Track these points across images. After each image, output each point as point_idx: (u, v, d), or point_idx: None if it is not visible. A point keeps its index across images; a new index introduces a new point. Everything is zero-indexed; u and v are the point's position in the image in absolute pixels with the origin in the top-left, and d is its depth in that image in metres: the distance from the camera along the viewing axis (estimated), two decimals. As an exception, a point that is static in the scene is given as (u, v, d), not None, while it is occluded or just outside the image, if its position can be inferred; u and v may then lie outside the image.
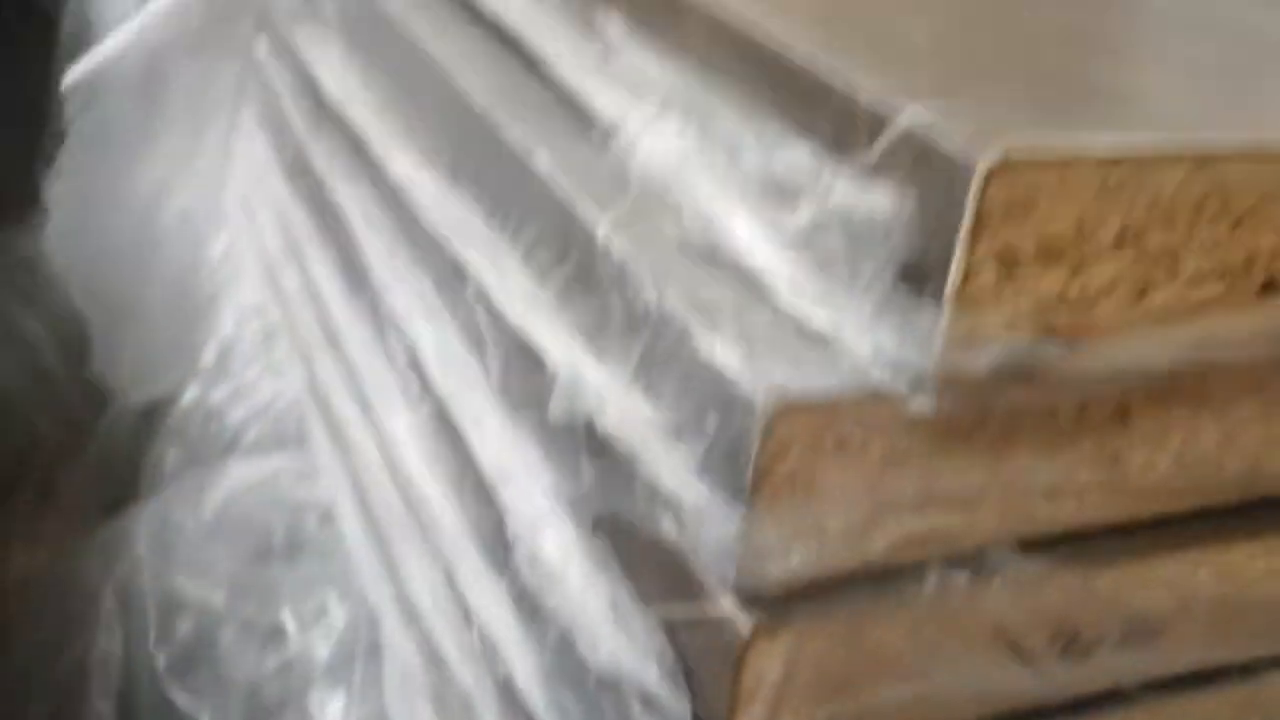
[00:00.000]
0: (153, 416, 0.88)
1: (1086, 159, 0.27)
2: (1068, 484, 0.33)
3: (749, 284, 0.33)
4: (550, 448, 0.40)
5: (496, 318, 0.44)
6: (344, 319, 0.63)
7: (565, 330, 0.38)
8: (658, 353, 0.33)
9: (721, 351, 0.30)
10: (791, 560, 0.30)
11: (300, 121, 0.67)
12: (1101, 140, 0.28)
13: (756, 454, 0.29)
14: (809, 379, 0.29)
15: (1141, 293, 0.30)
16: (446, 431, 0.50)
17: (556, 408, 0.37)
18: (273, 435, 0.76)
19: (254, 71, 0.69)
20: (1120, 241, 0.29)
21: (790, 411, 0.29)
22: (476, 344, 0.46)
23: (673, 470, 0.32)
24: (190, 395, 0.81)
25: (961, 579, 0.33)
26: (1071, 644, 0.34)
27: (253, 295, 0.83)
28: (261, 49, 0.68)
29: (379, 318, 0.58)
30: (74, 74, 0.64)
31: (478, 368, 0.46)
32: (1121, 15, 0.44)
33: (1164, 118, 0.33)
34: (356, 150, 0.58)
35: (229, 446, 0.77)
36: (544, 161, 0.40)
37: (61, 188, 0.70)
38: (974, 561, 0.33)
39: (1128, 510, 0.35)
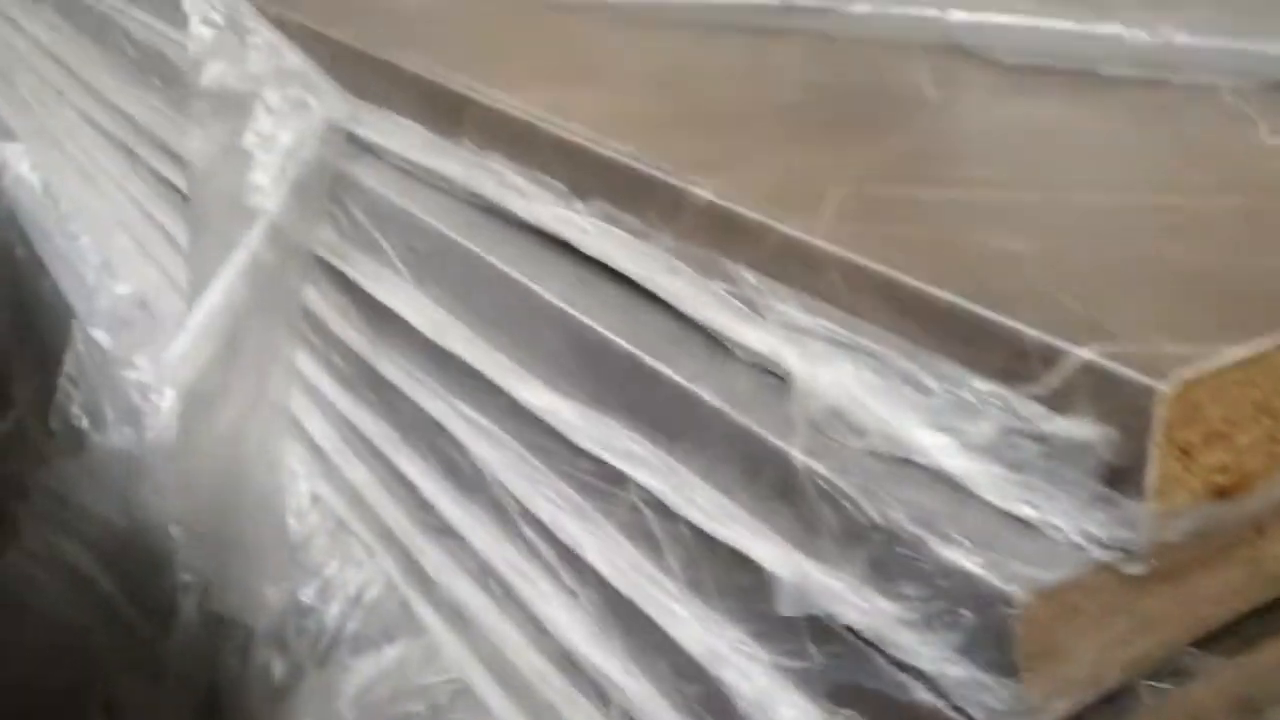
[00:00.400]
0: (224, 625, 0.93)
1: (1238, 364, 0.36)
2: (1225, 588, 0.41)
3: (952, 489, 0.40)
4: (764, 630, 0.47)
5: (674, 523, 0.50)
6: (454, 514, 0.69)
7: (772, 537, 0.45)
8: (891, 558, 0.40)
9: (960, 554, 0.38)
10: (1049, 712, 0.38)
11: (366, 344, 0.73)
12: (1243, 348, 0.36)
13: (1018, 638, 0.36)
14: (1042, 566, 0.37)
15: (1274, 443, 0.38)
16: (620, 615, 0.56)
17: (784, 606, 0.44)
18: (374, 626, 0.81)
19: (306, 311, 0.75)
20: (1258, 411, 0.37)
21: (1040, 598, 0.36)
22: (648, 544, 0.53)
23: (927, 654, 0.39)
24: (278, 596, 0.86)
25: (1167, 686, 0.40)
26: (1254, 715, 0.42)
27: (306, 490, 0.88)
28: (312, 292, 0.73)
29: (505, 514, 0.64)
30: (174, 350, 0.69)
31: (653, 564, 0.53)
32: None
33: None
34: (454, 370, 0.64)
35: (333, 643, 0.82)
36: (709, 393, 0.47)
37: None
38: (1171, 669, 0.41)
39: (1267, 594, 0.43)
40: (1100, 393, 0.36)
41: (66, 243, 1.46)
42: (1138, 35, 0.65)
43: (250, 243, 0.71)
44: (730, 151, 0.55)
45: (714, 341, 0.50)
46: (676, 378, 0.49)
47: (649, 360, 0.50)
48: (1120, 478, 0.37)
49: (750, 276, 0.47)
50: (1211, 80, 0.63)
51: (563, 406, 0.55)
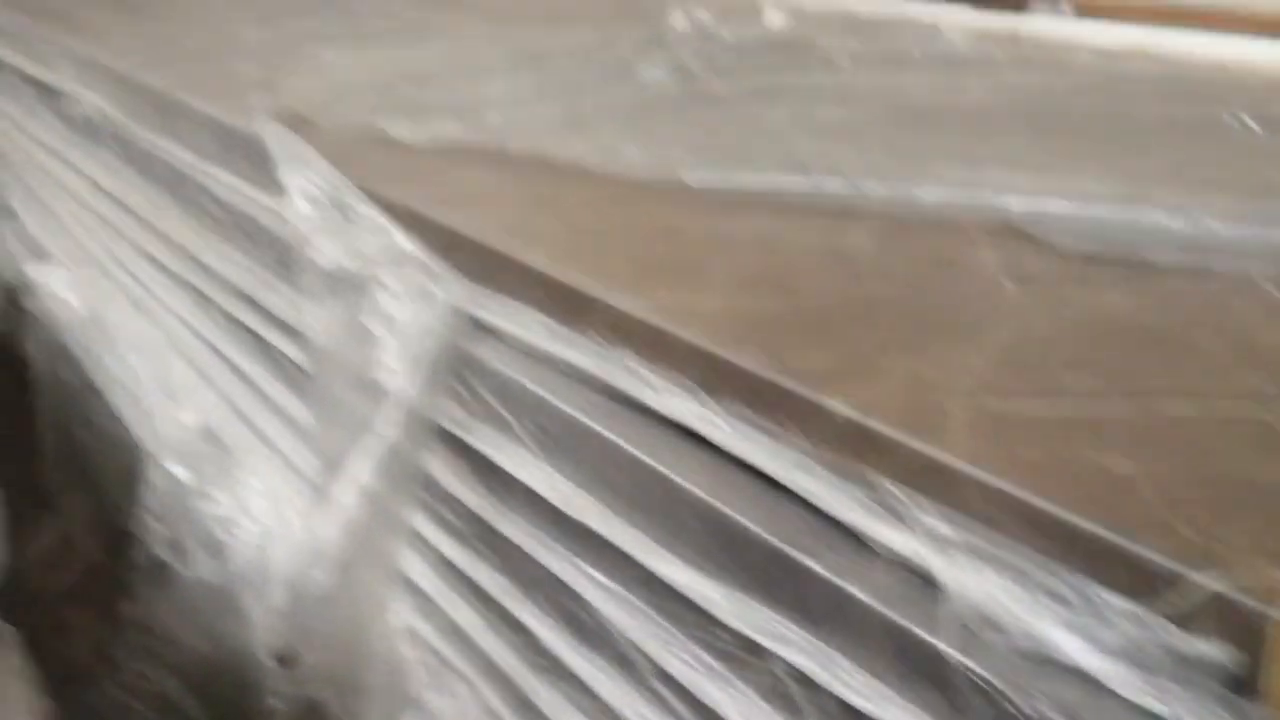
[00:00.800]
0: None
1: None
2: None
3: (1090, 685, 0.48)
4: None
5: (819, 695, 0.58)
6: (575, 661, 0.76)
7: (923, 717, 0.53)
8: (1039, 743, 0.48)
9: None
10: None
11: (484, 504, 0.80)
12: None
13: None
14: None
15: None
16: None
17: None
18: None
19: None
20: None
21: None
22: (790, 711, 0.60)
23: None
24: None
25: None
26: None
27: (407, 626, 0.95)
28: (434, 458, 0.81)
29: (632, 668, 0.71)
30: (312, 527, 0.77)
31: (794, 723, 0.60)
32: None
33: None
34: (580, 535, 0.72)
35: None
36: (858, 588, 0.55)
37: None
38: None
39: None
40: (1220, 614, 0.44)
41: (118, 366, 1.52)
42: (1178, 223, 0.74)
43: (381, 420, 0.78)
44: (847, 358, 0.63)
45: (852, 534, 0.57)
46: (824, 572, 0.56)
47: (793, 553, 0.58)
48: (1239, 683, 0.44)
49: (890, 485, 0.55)
50: (1245, 268, 0.72)
51: (704, 585, 0.63)
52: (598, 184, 0.93)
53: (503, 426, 0.77)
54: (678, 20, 1.52)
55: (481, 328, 0.79)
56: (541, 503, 0.75)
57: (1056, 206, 0.79)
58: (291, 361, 1.06)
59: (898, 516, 0.55)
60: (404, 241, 0.85)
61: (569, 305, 0.74)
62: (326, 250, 0.89)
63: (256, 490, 1.15)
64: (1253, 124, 1.01)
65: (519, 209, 0.89)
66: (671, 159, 0.95)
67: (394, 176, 0.94)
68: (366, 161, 0.97)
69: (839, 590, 0.56)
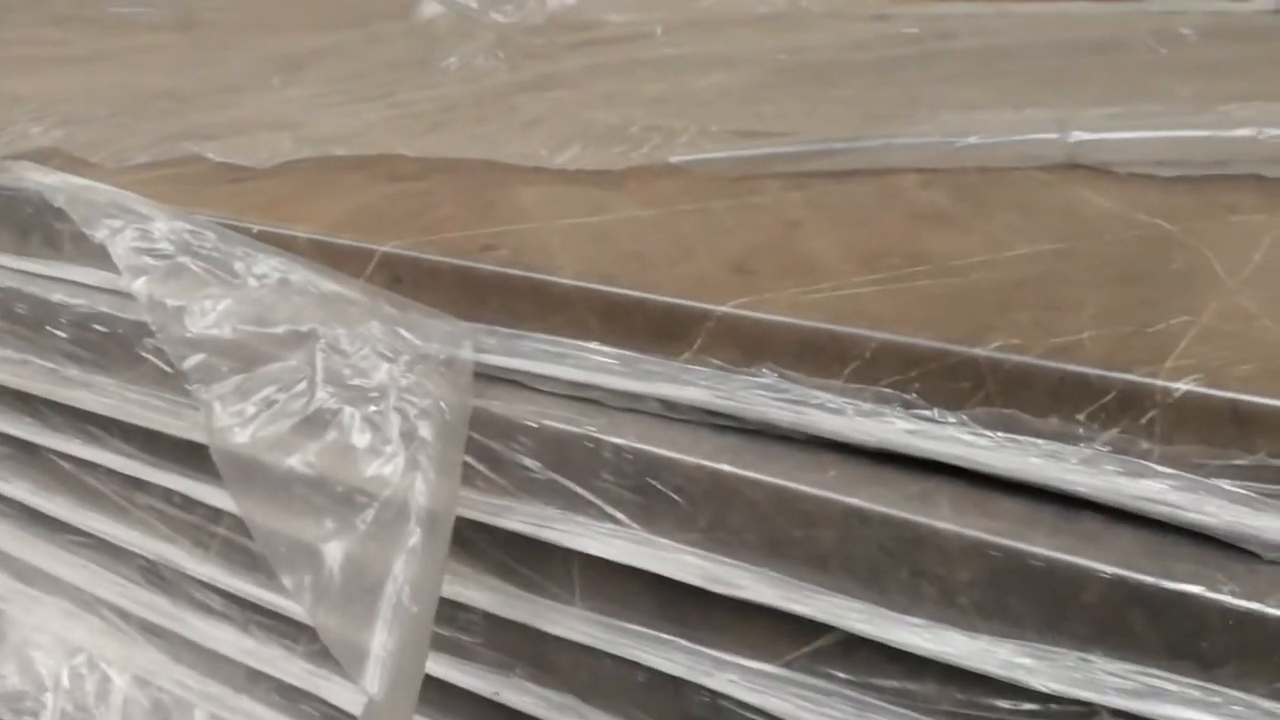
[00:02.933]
0: None
1: None
2: None
3: None
4: None
5: None
6: None
7: None
8: None
9: None
10: None
11: None
12: None
13: None
14: None
15: None
16: None
17: None
18: None
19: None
20: None
21: None
22: None
23: None
24: None
25: None
26: None
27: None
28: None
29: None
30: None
31: None
32: None
33: None
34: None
35: None
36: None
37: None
38: None
39: None
40: None
41: None
42: (1270, 134, 0.66)
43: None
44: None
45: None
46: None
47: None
48: None
49: None
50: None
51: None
52: (529, 177, 0.74)
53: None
54: (429, 8, 1.33)
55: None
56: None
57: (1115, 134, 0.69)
58: None
59: None
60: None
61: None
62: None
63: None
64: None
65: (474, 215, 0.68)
66: (570, 141, 0.78)
67: (274, 205, 0.71)
68: (218, 194, 0.73)
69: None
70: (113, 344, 0.75)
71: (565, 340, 0.59)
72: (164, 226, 0.69)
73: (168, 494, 0.79)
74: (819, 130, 0.77)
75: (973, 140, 0.70)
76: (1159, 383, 0.45)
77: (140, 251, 0.69)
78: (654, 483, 0.55)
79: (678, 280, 0.57)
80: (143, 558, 0.84)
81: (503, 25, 1.27)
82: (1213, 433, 0.45)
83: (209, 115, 0.95)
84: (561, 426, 0.58)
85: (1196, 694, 0.44)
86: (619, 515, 0.57)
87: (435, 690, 0.68)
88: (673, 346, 0.56)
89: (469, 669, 0.68)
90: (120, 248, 0.69)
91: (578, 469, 0.58)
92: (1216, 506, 0.44)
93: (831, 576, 0.51)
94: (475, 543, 0.63)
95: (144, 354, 0.74)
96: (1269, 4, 1.13)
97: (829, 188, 0.70)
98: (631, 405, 0.58)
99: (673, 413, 0.57)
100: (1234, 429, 0.44)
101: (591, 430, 0.57)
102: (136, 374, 0.75)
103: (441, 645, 0.68)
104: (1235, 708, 0.43)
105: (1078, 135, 0.69)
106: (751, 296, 0.54)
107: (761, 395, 0.53)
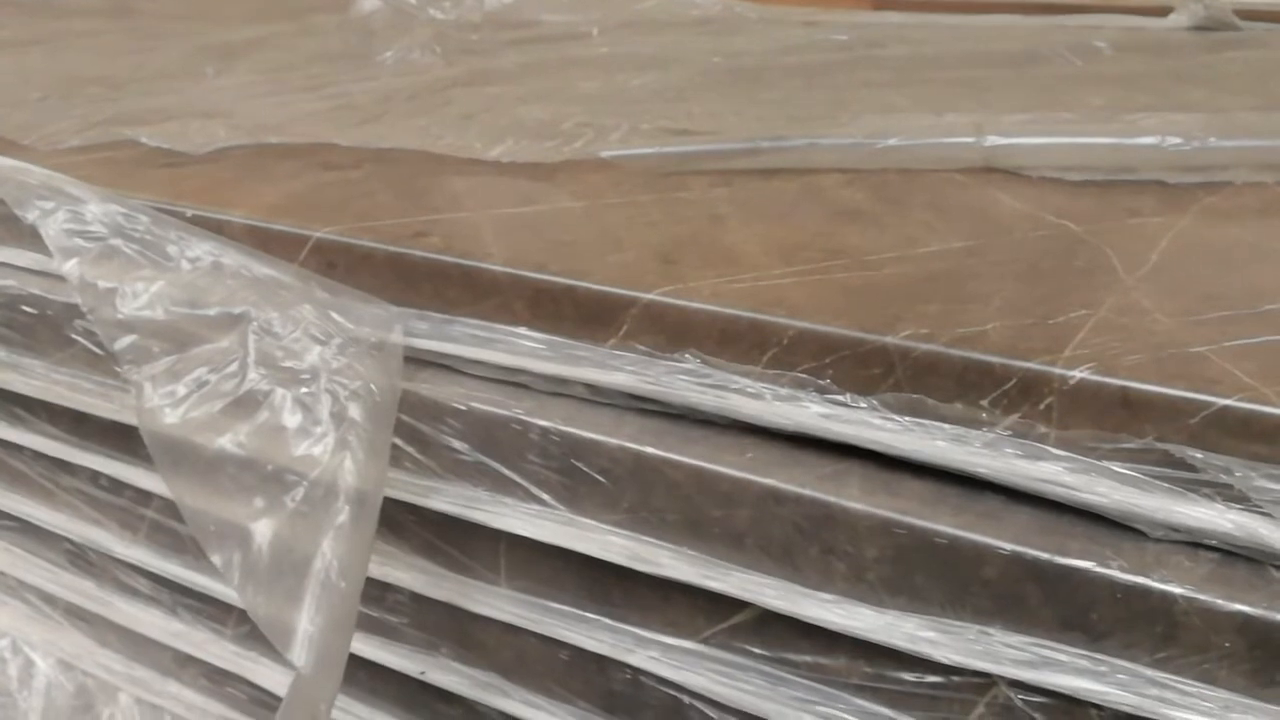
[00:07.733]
0: None
1: None
2: None
3: None
4: None
5: None
6: None
7: None
8: None
9: None
10: None
11: None
12: None
13: None
14: None
15: None
16: None
17: None
18: None
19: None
20: None
21: None
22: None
23: None
24: None
25: None
26: None
27: None
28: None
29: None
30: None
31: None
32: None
33: None
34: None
35: None
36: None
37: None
38: None
39: None
40: None
41: None
42: (1172, 143, 0.69)
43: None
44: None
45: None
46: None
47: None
48: None
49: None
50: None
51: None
52: (463, 168, 0.76)
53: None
54: (367, 3, 1.33)
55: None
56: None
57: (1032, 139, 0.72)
58: None
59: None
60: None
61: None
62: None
63: None
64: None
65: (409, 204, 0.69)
66: (504, 135, 0.79)
67: (208, 190, 0.71)
68: (152, 178, 0.74)
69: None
70: (42, 326, 0.76)
71: (495, 325, 0.61)
72: (96, 209, 0.69)
73: (95, 476, 0.79)
74: (746, 130, 0.79)
75: (893, 142, 0.73)
76: (1057, 371, 0.48)
77: (72, 234, 0.69)
78: (579, 464, 0.57)
79: (605, 269, 0.59)
80: (69, 541, 0.84)
81: (440, 22, 1.28)
82: (1105, 418, 0.47)
83: (142, 101, 0.95)
84: (489, 409, 0.59)
85: (1085, 664, 0.47)
86: (545, 496, 0.59)
87: (362, 670, 0.70)
88: (599, 332, 0.58)
89: (395, 648, 0.69)
90: (52, 229, 0.69)
91: (505, 451, 0.59)
92: (1107, 487, 0.47)
93: (748, 555, 0.53)
94: (403, 523, 0.64)
95: (74, 336, 0.74)
96: (1182, 21, 1.17)
97: (754, 185, 0.72)
98: (558, 389, 0.59)
99: (598, 396, 0.58)
100: (1124, 414, 0.47)
101: (519, 413, 0.59)
102: (66, 356, 0.75)
103: (368, 625, 0.69)
104: (1120, 676, 0.46)
105: (993, 140, 0.72)
106: (676, 285, 0.56)
107: (684, 380, 0.55)
